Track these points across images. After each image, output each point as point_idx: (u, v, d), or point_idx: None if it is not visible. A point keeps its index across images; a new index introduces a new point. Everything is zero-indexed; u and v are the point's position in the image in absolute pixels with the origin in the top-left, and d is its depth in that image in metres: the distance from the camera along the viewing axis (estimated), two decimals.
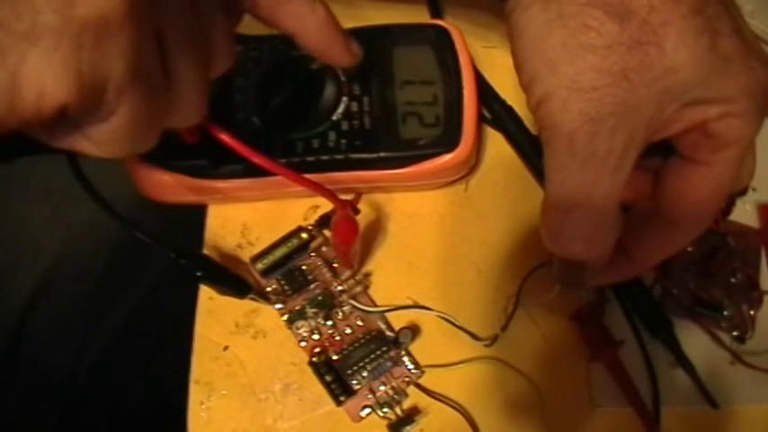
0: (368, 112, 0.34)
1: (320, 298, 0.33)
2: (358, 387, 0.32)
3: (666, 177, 0.23)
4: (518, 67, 0.22)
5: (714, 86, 0.20)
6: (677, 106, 0.20)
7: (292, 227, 0.34)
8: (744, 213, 0.36)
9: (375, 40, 0.35)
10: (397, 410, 0.32)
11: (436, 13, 0.41)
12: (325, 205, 0.29)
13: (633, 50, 0.19)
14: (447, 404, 0.32)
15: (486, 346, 0.33)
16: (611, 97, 0.20)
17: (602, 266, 0.25)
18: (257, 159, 0.27)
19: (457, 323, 0.33)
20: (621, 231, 0.25)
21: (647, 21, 0.19)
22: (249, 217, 0.36)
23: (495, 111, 0.37)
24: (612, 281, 0.28)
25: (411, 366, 0.32)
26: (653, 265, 0.25)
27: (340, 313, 0.33)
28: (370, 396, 0.32)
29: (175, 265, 0.30)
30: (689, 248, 0.34)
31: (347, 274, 0.34)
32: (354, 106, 0.34)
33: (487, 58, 0.38)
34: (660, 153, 0.23)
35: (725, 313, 0.33)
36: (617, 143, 0.20)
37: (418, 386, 0.32)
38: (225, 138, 0.26)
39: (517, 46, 0.22)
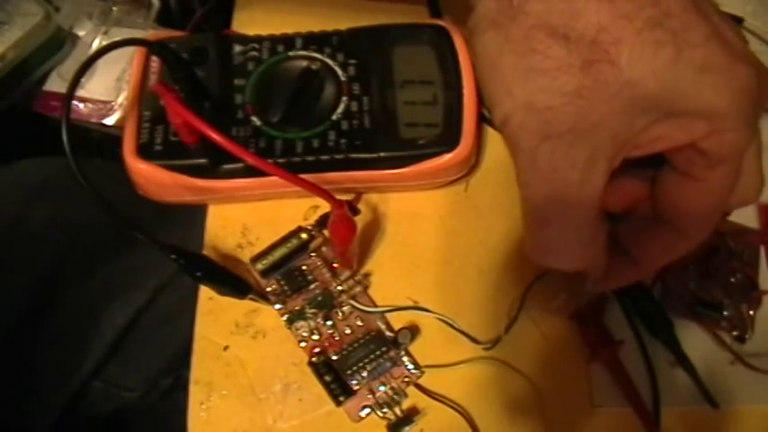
0: (368, 112, 0.34)
1: (320, 298, 0.33)
2: (357, 387, 0.32)
3: (664, 190, 0.23)
4: (481, 89, 0.22)
5: (689, 98, 0.20)
6: (650, 120, 0.20)
7: (292, 227, 0.34)
8: (744, 213, 0.36)
9: (375, 40, 0.36)
10: (397, 411, 0.32)
11: (436, 13, 0.41)
12: (325, 205, 0.29)
13: (585, 70, 0.19)
14: (446, 404, 0.32)
15: (487, 349, 0.33)
16: (567, 115, 0.20)
17: (600, 274, 0.25)
18: (250, 159, 0.27)
19: (456, 326, 0.33)
20: (624, 236, 0.25)
21: (595, 40, 0.19)
22: (249, 217, 0.36)
23: None
24: (618, 286, 0.28)
25: (410, 366, 0.32)
26: (658, 269, 0.25)
27: (340, 313, 0.33)
28: (369, 396, 0.32)
29: (175, 266, 0.30)
30: None
31: (347, 274, 0.34)
32: (354, 106, 0.34)
33: None
34: (652, 164, 0.23)
35: (725, 313, 0.33)
36: (578, 158, 0.20)
37: (418, 386, 0.32)
38: (217, 137, 0.26)
39: (478, 70, 0.22)
